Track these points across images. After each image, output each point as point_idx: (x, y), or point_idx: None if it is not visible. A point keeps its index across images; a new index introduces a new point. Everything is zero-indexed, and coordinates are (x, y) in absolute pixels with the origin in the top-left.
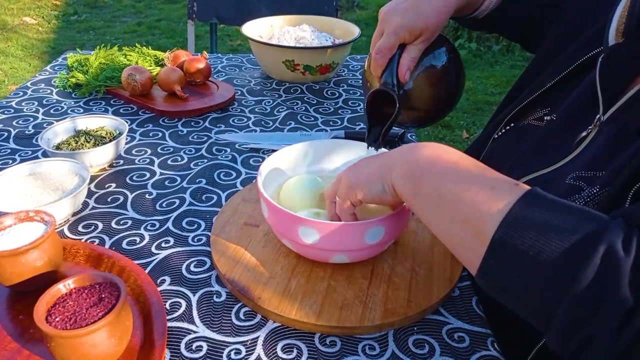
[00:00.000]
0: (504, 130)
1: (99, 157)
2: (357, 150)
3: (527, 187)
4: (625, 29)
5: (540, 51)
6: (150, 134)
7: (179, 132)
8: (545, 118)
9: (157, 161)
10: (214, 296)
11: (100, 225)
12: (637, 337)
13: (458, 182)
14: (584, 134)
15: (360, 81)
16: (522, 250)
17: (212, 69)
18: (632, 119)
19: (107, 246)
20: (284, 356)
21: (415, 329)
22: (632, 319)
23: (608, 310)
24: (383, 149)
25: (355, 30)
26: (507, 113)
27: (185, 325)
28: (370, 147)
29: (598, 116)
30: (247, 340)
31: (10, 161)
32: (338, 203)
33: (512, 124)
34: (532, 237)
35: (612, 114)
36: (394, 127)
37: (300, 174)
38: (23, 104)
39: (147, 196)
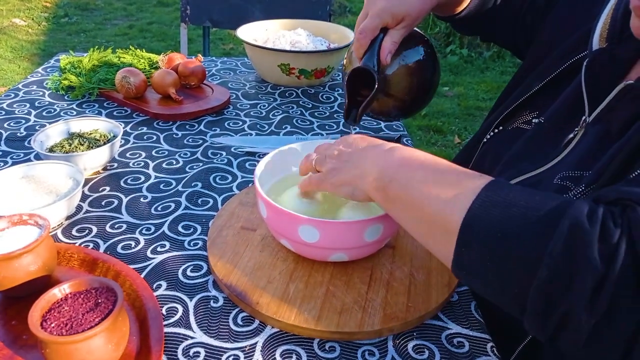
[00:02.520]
0: (492, 134)
1: (93, 160)
2: None
3: (491, 178)
4: (608, 34)
5: (529, 55)
6: (145, 137)
7: (174, 135)
8: (534, 121)
9: (151, 164)
10: (211, 301)
11: (95, 229)
12: (609, 307)
13: (425, 181)
14: (571, 135)
15: None
16: (490, 232)
17: (207, 72)
18: (615, 119)
19: (101, 250)
20: None
21: (415, 334)
22: (602, 287)
23: (579, 281)
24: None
25: (350, 35)
26: (497, 116)
27: (182, 330)
28: (351, 127)
29: (584, 118)
30: (245, 346)
31: (2, 163)
32: (311, 181)
33: (502, 127)
34: (497, 217)
35: (596, 115)
36: (388, 132)
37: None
38: (14, 105)
39: (142, 200)
